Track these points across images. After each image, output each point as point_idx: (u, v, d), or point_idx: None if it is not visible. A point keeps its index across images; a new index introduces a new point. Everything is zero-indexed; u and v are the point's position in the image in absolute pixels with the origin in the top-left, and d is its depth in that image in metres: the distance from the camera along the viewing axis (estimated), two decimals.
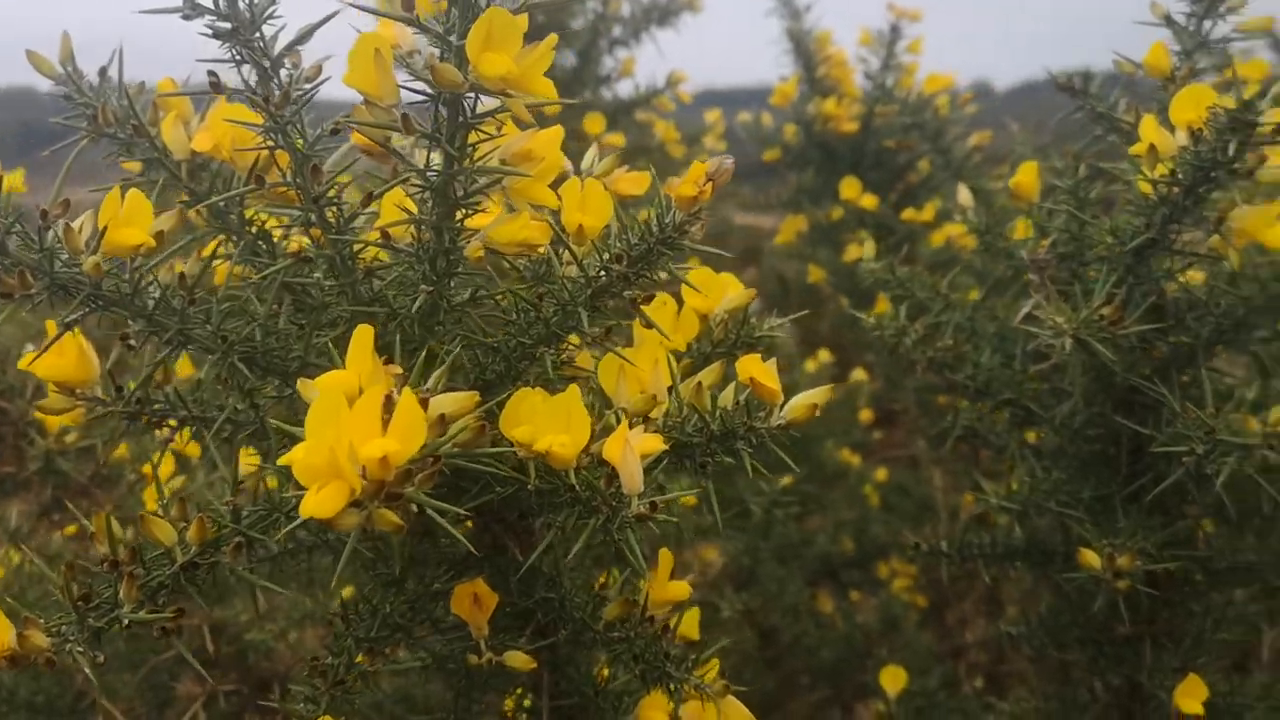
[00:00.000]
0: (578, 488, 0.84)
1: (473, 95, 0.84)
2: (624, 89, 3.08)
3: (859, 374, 3.27)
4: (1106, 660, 1.40)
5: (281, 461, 0.64)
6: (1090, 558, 1.14)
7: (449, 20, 0.81)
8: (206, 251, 1.04)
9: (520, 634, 1.10)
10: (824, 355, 3.43)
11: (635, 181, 1.09)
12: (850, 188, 2.79)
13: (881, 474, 3.03)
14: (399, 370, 0.78)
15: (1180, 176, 1.03)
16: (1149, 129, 1.05)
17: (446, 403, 0.74)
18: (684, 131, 3.65)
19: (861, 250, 2.66)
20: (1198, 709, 1.21)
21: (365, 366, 0.71)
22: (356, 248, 0.96)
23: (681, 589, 1.06)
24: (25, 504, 1.94)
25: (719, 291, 1.17)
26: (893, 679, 1.98)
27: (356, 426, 0.63)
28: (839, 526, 2.90)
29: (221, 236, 1.04)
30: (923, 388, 2.59)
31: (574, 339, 1.03)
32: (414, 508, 0.70)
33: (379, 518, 0.65)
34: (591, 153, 1.14)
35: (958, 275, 1.60)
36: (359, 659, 1.02)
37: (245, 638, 1.85)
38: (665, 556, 1.06)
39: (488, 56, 0.77)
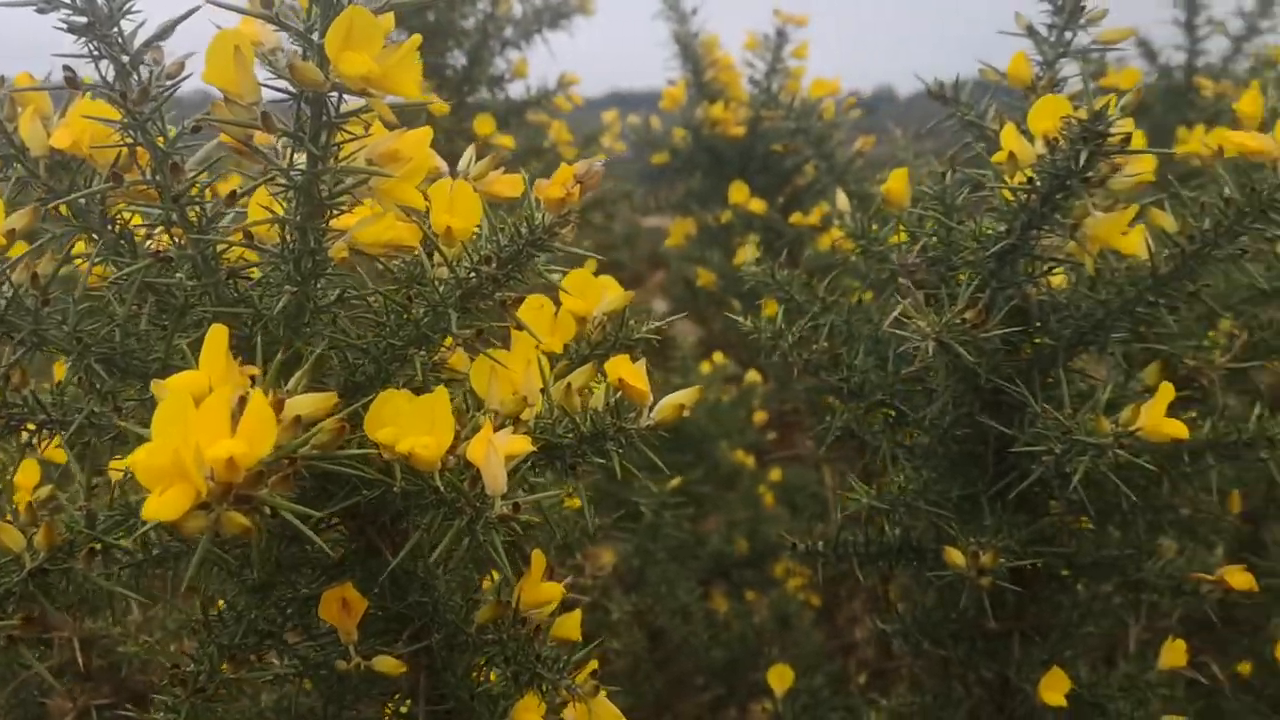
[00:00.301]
0: (442, 489, 0.84)
1: (336, 95, 0.83)
2: (518, 90, 3.07)
3: (753, 376, 3.31)
4: (979, 655, 1.44)
5: (124, 464, 0.62)
6: (955, 556, 1.17)
7: (310, 18, 0.80)
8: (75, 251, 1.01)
9: (396, 639, 1.09)
10: (719, 358, 3.46)
11: (510, 184, 1.09)
12: (738, 191, 2.83)
13: (776, 474, 3.07)
14: (256, 371, 0.77)
15: (1038, 184, 1.07)
16: (1009, 138, 1.09)
17: (303, 404, 0.73)
18: (584, 133, 3.66)
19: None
20: (1060, 700, 1.26)
21: (218, 367, 0.69)
22: (221, 248, 0.94)
23: (554, 590, 1.07)
24: None
25: (597, 294, 1.18)
26: (779, 677, 2.00)
27: (204, 427, 0.62)
28: (732, 527, 2.93)
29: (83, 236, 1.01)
30: (812, 389, 2.63)
31: (448, 340, 1.03)
32: (269, 511, 0.69)
33: (228, 521, 0.64)
34: (469, 154, 1.14)
35: (841, 278, 1.63)
36: (223, 667, 1.00)
37: (119, 650, 1.79)
38: (538, 558, 1.06)
39: (348, 55, 0.76)
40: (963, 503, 1.28)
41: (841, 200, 1.52)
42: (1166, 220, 1.13)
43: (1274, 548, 1.90)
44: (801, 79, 3.07)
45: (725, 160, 3.12)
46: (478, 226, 0.93)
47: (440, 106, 2.47)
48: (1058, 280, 1.29)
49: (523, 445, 0.87)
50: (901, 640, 1.42)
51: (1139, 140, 1.39)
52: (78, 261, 1.01)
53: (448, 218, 0.91)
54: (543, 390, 1.01)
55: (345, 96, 0.84)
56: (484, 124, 2.59)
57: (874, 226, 1.45)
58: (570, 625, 1.32)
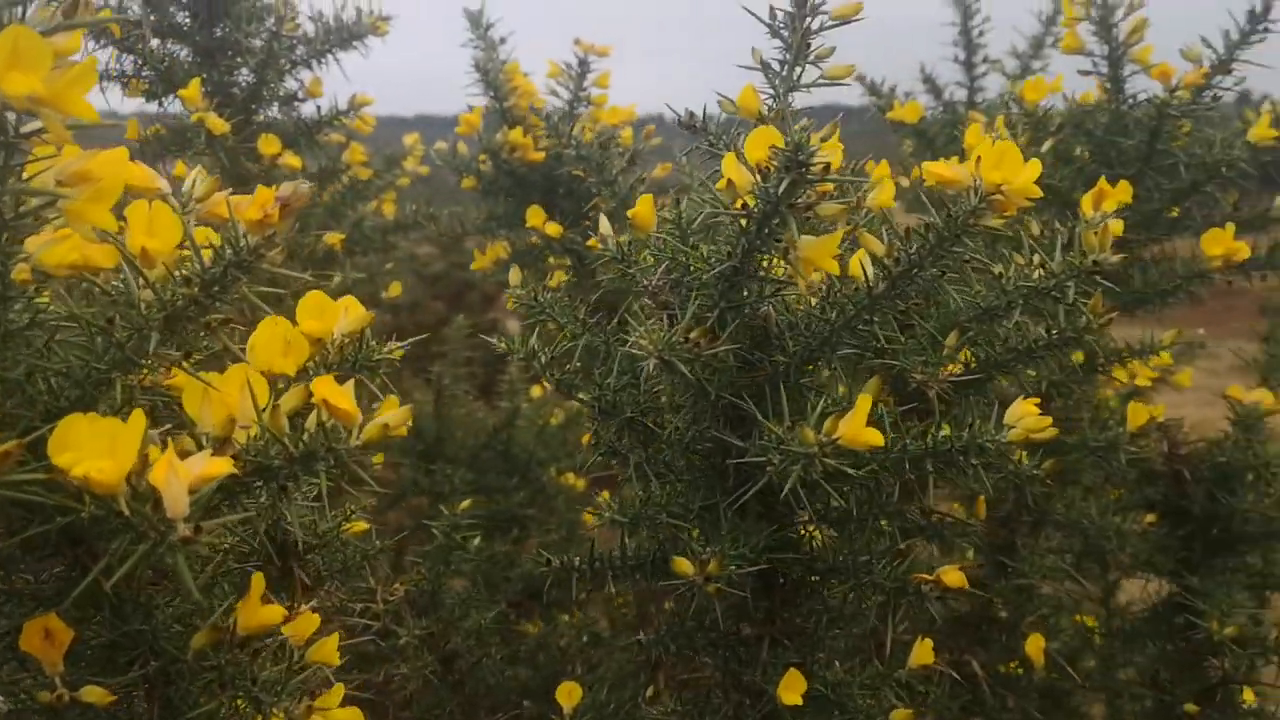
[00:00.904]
0: (127, 513, 0.82)
1: (14, 114, 0.81)
2: (312, 110, 3.02)
3: (584, 396, 3.33)
4: (735, 662, 1.49)
5: None
6: (682, 565, 1.21)
7: None
8: None
9: (121, 669, 1.06)
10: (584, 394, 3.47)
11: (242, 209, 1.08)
12: (535, 215, 2.85)
13: (605, 496, 3.10)
14: None
15: (753, 210, 1.12)
16: (729, 166, 1.14)
17: None
18: (387, 154, 3.63)
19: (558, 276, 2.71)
20: (796, 700, 1.31)
21: None
22: None
23: (274, 613, 1.05)
24: None
25: (334, 315, 1.18)
26: (567, 695, 2.02)
27: None
28: (547, 548, 2.93)
29: None
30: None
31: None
32: None
33: None
34: (193, 175, 1.12)
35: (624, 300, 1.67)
36: None
37: None
38: (257, 580, 1.05)
39: (12, 76, 0.74)
40: (704, 514, 1.32)
41: (604, 225, 1.56)
42: (876, 244, 1.19)
43: (1024, 551, 2.02)
44: (604, 107, 3.12)
45: (529, 184, 3.14)
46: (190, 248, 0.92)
47: (218, 124, 2.41)
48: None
49: (221, 468, 0.86)
50: (657, 649, 1.45)
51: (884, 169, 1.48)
52: None
53: (145, 239, 0.90)
54: (259, 413, 1.00)
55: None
56: (269, 143, 2.54)
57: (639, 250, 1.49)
58: (328, 650, 1.31)
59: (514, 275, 1.61)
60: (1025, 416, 1.26)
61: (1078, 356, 1.85)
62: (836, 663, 1.49)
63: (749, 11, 1.31)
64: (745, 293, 1.24)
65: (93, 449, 0.80)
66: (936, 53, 3.01)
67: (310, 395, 0.97)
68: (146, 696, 1.09)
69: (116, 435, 0.81)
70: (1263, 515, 1.88)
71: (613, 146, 2.88)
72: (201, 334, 0.99)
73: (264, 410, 0.96)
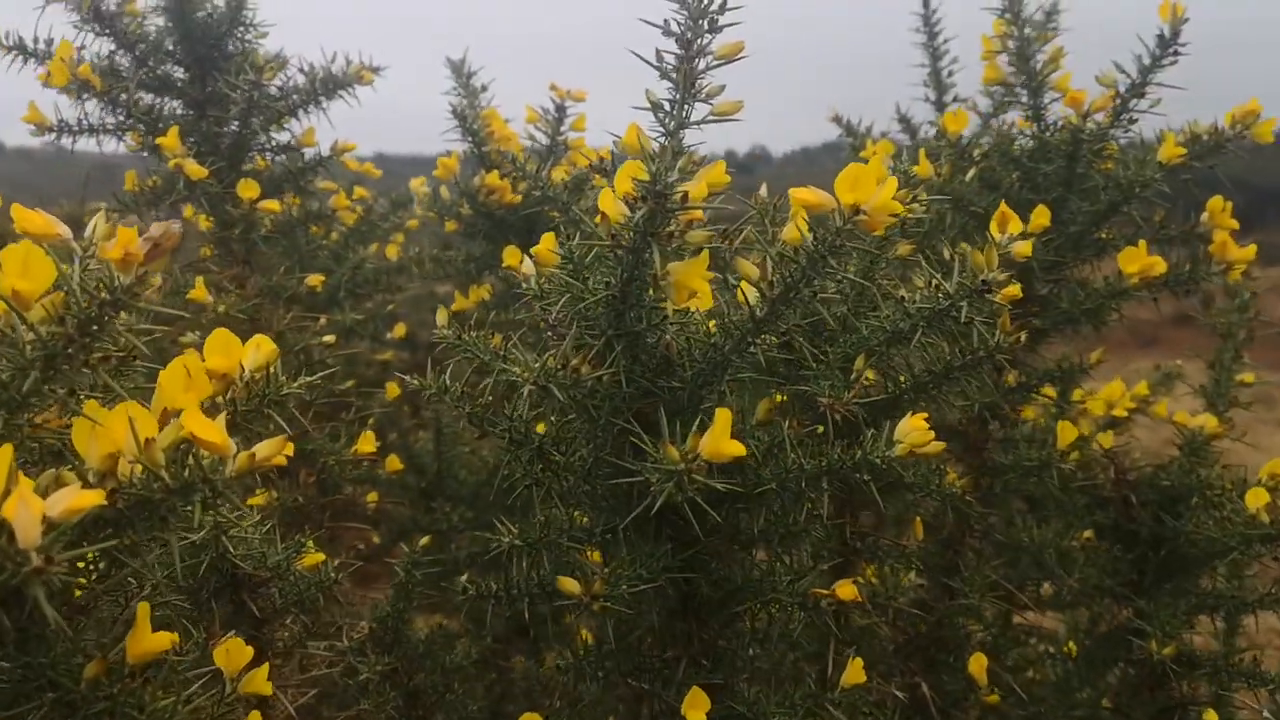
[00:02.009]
0: None
1: None
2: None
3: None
4: (659, 682, 1.52)
5: None
6: (568, 584, 1.25)
7: None
8: None
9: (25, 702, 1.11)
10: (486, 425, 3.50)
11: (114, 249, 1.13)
12: (511, 256, 2.90)
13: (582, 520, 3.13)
14: None
15: (623, 240, 1.16)
16: (604, 200, 1.19)
17: None
18: (394, 196, 3.72)
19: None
20: (700, 718, 1.33)
21: None
22: None
23: (161, 640, 1.10)
24: None
25: (240, 352, 1.23)
26: None
27: None
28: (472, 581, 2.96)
29: None
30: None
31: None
32: None
33: None
34: (95, 220, 1.19)
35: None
36: None
37: None
38: (143, 609, 1.10)
39: None
40: (606, 536, 1.36)
41: (525, 265, 1.61)
42: (751, 269, 1.24)
43: (968, 572, 2.03)
44: (581, 149, 3.20)
45: (507, 226, 3.21)
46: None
47: (196, 170, 2.51)
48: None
49: (89, 500, 0.91)
50: (574, 675, 1.48)
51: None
52: None
53: (18, 281, 0.96)
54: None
55: None
56: (247, 188, 2.64)
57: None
58: (259, 680, 1.36)
59: (441, 315, 1.66)
60: (913, 432, 1.29)
61: (1010, 379, 1.88)
62: (754, 684, 1.51)
63: (637, 55, 1.36)
64: (633, 320, 1.28)
65: None
66: (914, 92, 3.07)
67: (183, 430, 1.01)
68: None
69: None
70: (1207, 537, 1.89)
71: (587, 188, 2.95)
72: (87, 373, 1.04)
73: (142, 446, 1.01)
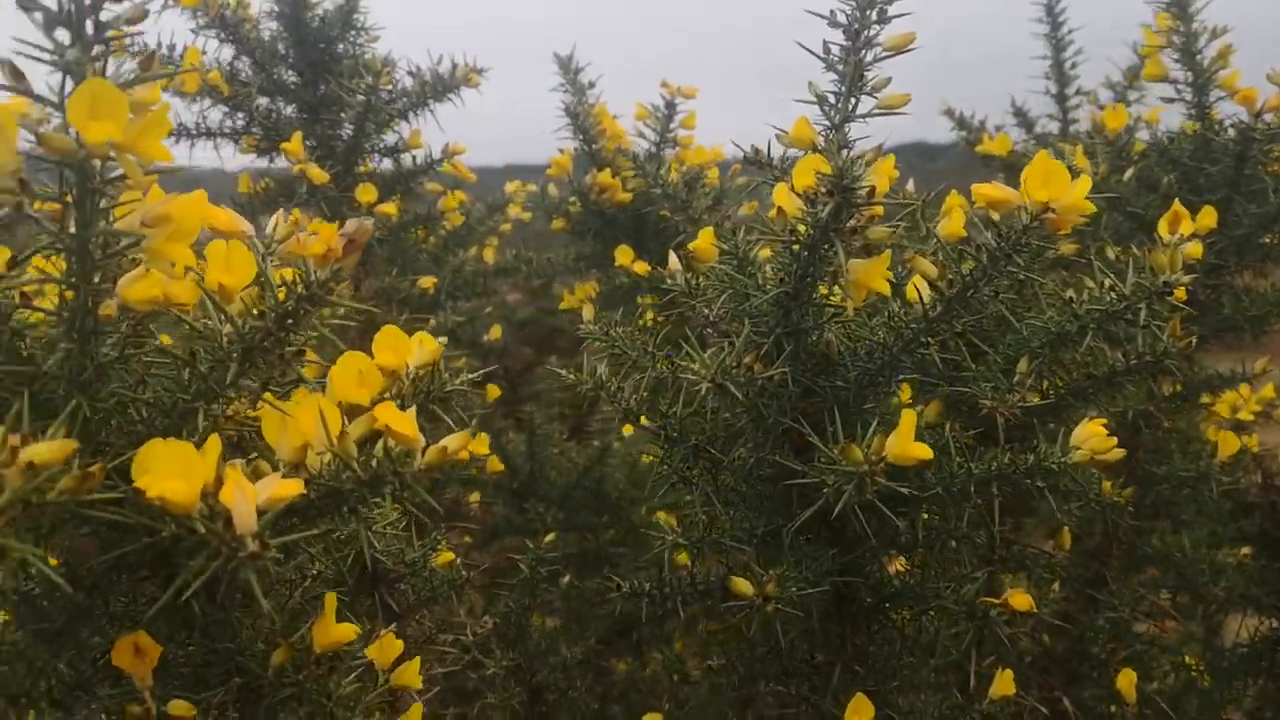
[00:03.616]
0: (202, 531, 0.88)
1: (99, 161, 0.88)
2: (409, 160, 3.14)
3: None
4: (808, 688, 1.50)
5: None
6: (741, 584, 1.23)
7: (64, 93, 0.86)
8: None
9: (211, 686, 1.12)
10: (645, 420, 3.50)
11: (306, 244, 1.14)
12: (624, 255, 2.91)
13: (664, 518, 3.12)
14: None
15: (802, 236, 1.14)
16: (780, 194, 1.17)
17: (40, 451, 0.77)
18: (489, 201, 3.74)
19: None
20: None
21: None
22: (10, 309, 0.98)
23: (346, 631, 1.10)
24: None
25: (408, 348, 1.24)
26: None
27: None
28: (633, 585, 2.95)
29: None
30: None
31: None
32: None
33: None
34: (275, 218, 1.20)
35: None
36: (25, 716, 1.02)
37: None
38: (329, 600, 1.10)
39: (93, 125, 0.82)
40: (767, 538, 1.33)
41: (671, 261, 1.60)
42: (928, 267, 1.21)
43: (1115, 585, 1.97)
44: (690, 147, 3.18)
45: (617, 225, 3.20)
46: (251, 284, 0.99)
47: (319, 175, 2.53)
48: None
49: (290, 489, 0.92)
50: (729, 677, 1.46)
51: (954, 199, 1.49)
52: None
53: (222, 275, 0.97)
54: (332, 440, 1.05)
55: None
56: (366, 192, 2.66)
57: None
58: (410, 673, 1.36)
59: (587, 311, 1.65)
60: (1092, 438, 1.25)
61: (1168, 387, 1.82)
62: (913, 693, 1.48)
63: (804, 48, 1.34)
64: (801, 318, 1.26)
65: (169, 471, 0.87)
66: (1027, 85, 3.00)
67: (376, 422, 1.02)
68: (239, 713, 1.15)
69: (190, 459, 0.87)
70: None
71: (699, 186, 2.93)
72: (279, 365, 1.05)
73: (335, 437, 1.01)
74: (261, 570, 0.87)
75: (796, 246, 1.17)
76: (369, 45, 2.93)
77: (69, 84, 0.87)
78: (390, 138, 3.04)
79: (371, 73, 2.71)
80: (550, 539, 2.35)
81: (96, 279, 0.94)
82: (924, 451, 1.12)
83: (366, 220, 1.00)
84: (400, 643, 1.37)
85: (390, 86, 2.83)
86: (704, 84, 3.36)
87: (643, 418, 1.43)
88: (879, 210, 1.16)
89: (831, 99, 1.37)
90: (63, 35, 0.85)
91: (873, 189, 1.09)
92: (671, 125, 3.20)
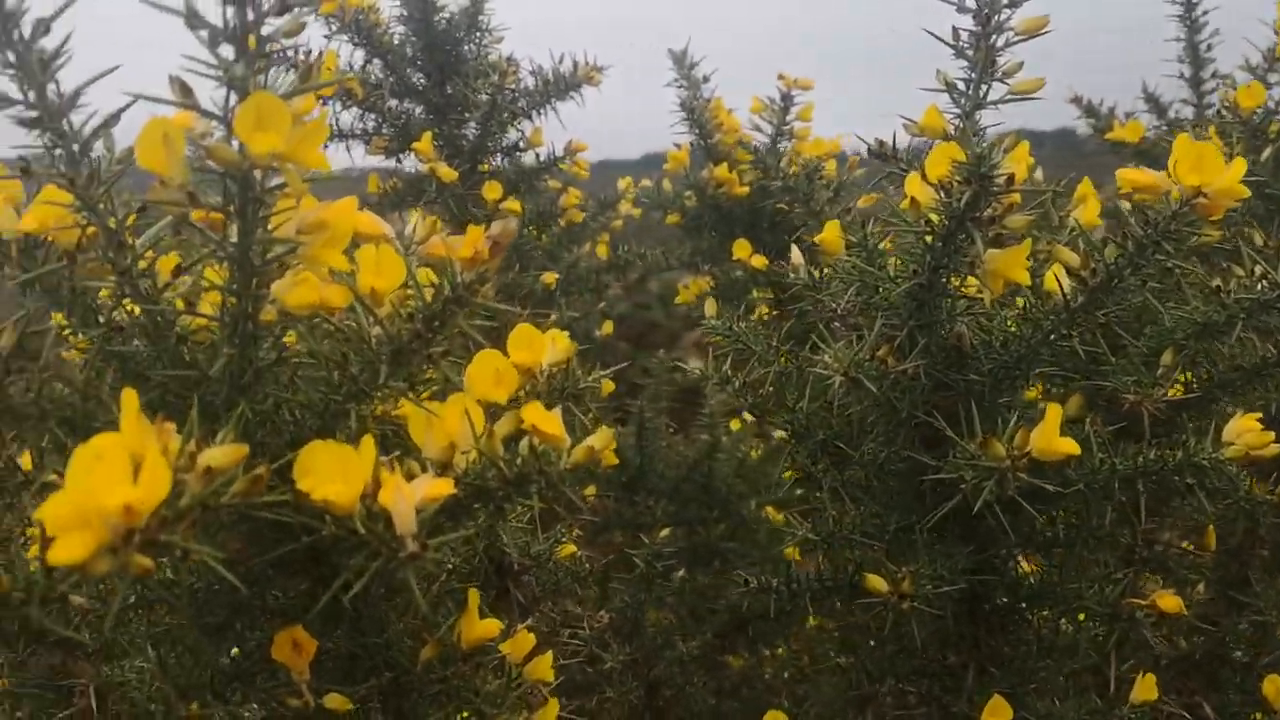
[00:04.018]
0: (362, 532, 0.90)
1: (260, 171, 0.92)
2: (531, 158, 3.19)
3: (781, 432, 3.34)
4: (940, 689, 1.47)
5: (36, 516, 0.70)
6: (875, 582, 1.22)
7: (228, 106, 0.89)
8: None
9: (360, 680, 1.16)
10: (749, 414, 3.49)
11: (446, 247, 1.17)
12: (741, 249, 2.90)
13: (778, 516, 3.10)
14: (171, 427, 0.85)
15: (936, 226, 1.13)
16: (912, 184, 1.16)
17: (216, 455, 0.81)
18: (601, 198, 3.77)
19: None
20: None
21: (131, 425, 0.77)
22: (172, 315, 1.03)
23: (490, 627, 1.12)
24: None
25: (543, 346, 1.26)
26: None
27: (104, 479, 0.69)
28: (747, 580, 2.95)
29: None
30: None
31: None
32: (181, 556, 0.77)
33: (133, 564, 0.71)
34: (414, 218, 1.23)
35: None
36: (183, 707, 1.07)
37: (133, 697, 1.87)
38: (472, 596, 1.13)
39: (258, 136, 0.85)
40: (899, 534, 1.32)
41: (795, 255, 1.59)
42: (1070, 256, 1.18)
43: (1259, 585, 1.89)
44: (807, 140, 3.15)
45: (733, 219, 3.20)
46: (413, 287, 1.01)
47: (448, 173, 2.59)
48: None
49: (442, 488, 0.94)
50: (860, 676, 1.45)
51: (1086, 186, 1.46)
52: (55, 333, 1.11)
53: (373, 279, 1.00)
54: (477, 439, 1.07)
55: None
56: (492, 190, 2.71)
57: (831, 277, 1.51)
58: (543, 667, 1.38)
59: (710, 306, 1.66)
60: (1246, 433, 1.21)
61: None
62: (1049, 696, 1.45)
63: (932, 34, 1.32)
64: (934, 310, 1.24)
65: (329, 473, 0.89)
66: (1159, 69, 2.89)
67: (522, 421, 1.03)
68: (381, 707, 1.19)
69: (349, 460, 0.90)
70: None
71: (817, 179, 2.91)
72: (424, 366, 1.07)
73: (481, 436, 1.03)
74: (419, 570, 0.89)
75: (929, 237, 1.15)
76: (493, 46, 2.99)
77: (232, 97, 0.90)
78: (512, 135, 3.09)
79: (498, 72, 2.76)
80: (665, 534, 2.35)
81: (255, 285, 0.98)
82: (1071, 447, 1.09)
83: (511, 222, 1.02)
84: (533, 637, 1.40)
85: (514, 86, 2.88)
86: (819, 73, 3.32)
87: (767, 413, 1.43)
88: (1016, 198, 1.13)
89: (961, 86, 1.35)
90: (226, 51, 0.88)
91: (1011, 176, 1.07)
92: (788, 118, 3.18)
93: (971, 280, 1.26)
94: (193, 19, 0.86)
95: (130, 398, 0.78)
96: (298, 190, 0.91)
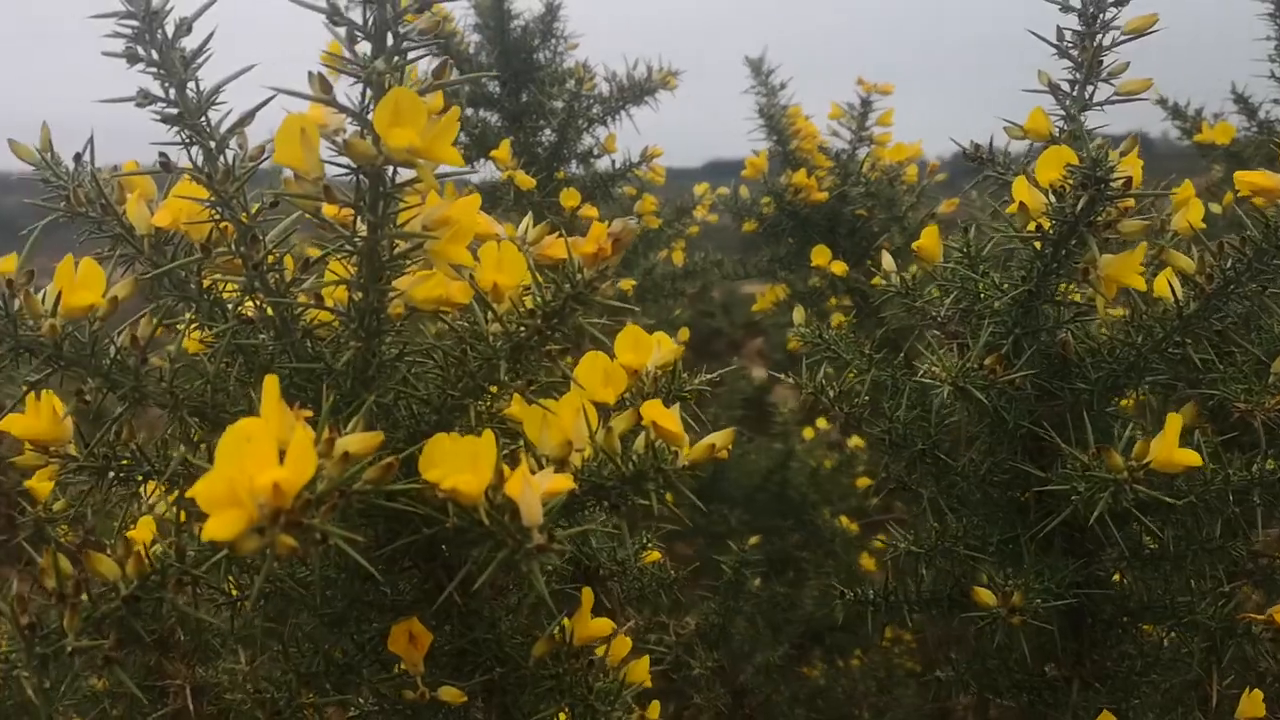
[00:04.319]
0: (487, 523, 0.92)
1: (391, 167, 0.94)
2: (606, 164, 3.21)
3: (856, 441, 3.33)
4: (1042, 704, 1.46)
5: (189, 493, 0.72)
6: (984, 595, 1.20)
7: (365, 101, 0.91)
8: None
9: (467, 675, 1.17)
10: (822, 423, 3.48)
11: (561, 246, 1.18)
12: (820, 255, 2.88)
13: (880, 542, 3.08)
14: (308, 414, 0.87)
15: (1048, 232, 1.12)
16: (1020, 189, 1.15)
17: (352, 442, 0.82)
18: (675, 204, 3.78)
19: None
20: None
21: (273, 409, 0.79)
22: (298, 309, 1.05)
23: (603, 625, 1.13)
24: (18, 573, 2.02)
25: (649, 348, 1.26)
26: None
27: (254, 459, 0.71)
28: (828, 591, 2.94)
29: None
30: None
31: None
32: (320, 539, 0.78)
33: (279, 543, 0.73)
34: (526, 221, 1.25)
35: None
36: (305, 695, 1.09)
37: (226, 698, 1.91)
38: (586, 595, 1.13)
39: (395, 131, 0.87)
40: (1003, 547, 1.31)
41: (886, 261, 1.58)
42: (1185, 261, 1.16)
43: None
44: (887, 145, 3.13)
45: (811, 225, 3.18)
46: (526, 284, 1.03)
47: (526, 181, 2.61)
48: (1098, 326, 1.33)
49: (563, 484, 0.95)
50: (957, 688, 1.44)
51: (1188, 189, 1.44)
52: (179, 326, 1.14)
53: (495, 275, 1.01)
54: (591, 437, 1.09)
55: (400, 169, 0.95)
56: (570, 197, 2.73)
57: (924, 284, 1.50)
58: (640, 670, 1.39)
59: (798, 314, 1.65)
60: None
61: None
62: (1151, 711, 1.42)
63: (1035, 34, 1.31)
64: (1041, 318, 1.23)
65: (458, 464, 0.91)
66: (1248, 69, 2.83)
67: (640, 418, 1.04)
68: (484, 703, 1.20)
69: (478, 452, 0.91)
70: None
71: (898, 184, 2.89)
72: (539, 363, 1.09)
73: (597, 433, 1.04)
74: (545, 563, 0.90)
75: (1038, 244, 1.14)
76: (568, 52, 3.01)
77: (363, 94, 0.92)
78: (586, 142, 3.11)
79: (574, 79, 2.78)
80: (754, 542, 2.34)
81: (382, 280, 1.00)
82: (1192, 458, 1.08)
83: (632, 221, 1.03)
84: (629, 640, 1.40)
85: (591, 92, 2.90)
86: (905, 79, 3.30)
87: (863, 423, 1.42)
88: (1131, 202, 1.12)
89: (1065, 87, 1.34)
90: (363, 48, 0.91)
91: (1129, 179, 1.06)
92: (867, 123, 3.17)
93: (1069, 286, 1.25)
94: (334, 16, 0.89)
95: (272, 383, 0.80)
96: (429, 185, 0.93)
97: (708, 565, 2.39)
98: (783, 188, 3.10)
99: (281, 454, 0.74)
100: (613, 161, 3.09)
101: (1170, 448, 1.07)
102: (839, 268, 2.91)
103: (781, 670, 2.66)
